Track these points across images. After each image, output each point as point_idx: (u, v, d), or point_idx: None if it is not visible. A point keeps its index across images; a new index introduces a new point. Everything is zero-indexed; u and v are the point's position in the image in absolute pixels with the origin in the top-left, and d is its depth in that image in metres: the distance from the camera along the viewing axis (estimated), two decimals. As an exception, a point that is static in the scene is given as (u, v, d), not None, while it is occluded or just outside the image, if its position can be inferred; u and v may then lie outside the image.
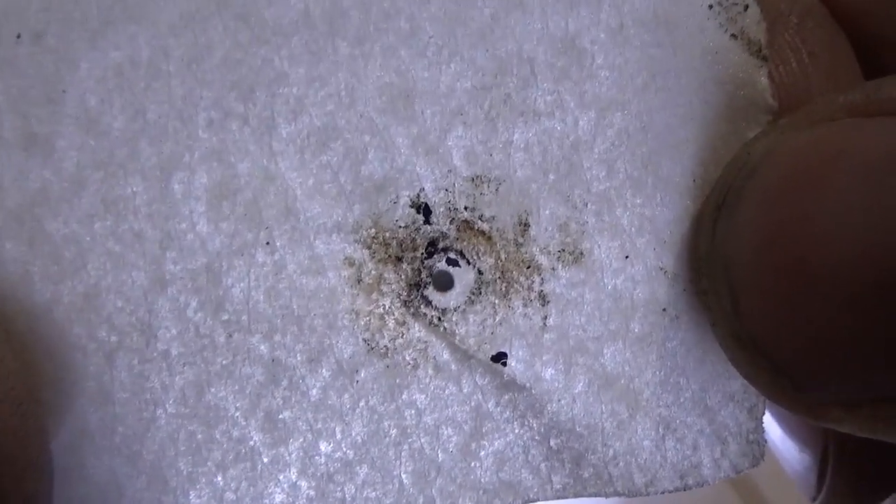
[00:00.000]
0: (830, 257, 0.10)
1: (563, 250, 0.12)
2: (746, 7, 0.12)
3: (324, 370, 0.12)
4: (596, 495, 0.12)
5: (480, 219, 0.12)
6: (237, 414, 0.12)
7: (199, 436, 0.12)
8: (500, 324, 0.12)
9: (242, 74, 0.12)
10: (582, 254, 0.12)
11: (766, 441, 0.13)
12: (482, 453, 0.12)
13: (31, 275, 0.11)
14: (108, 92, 0.11)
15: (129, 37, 0.11)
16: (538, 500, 0.12)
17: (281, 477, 0.12)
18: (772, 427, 0.17)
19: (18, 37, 0.11)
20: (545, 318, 0.12)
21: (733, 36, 0.12)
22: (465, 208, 0.12)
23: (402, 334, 0.12)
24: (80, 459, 0.11)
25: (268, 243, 0.12)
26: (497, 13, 0.12)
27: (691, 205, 0.12)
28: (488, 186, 0.12)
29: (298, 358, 0.12)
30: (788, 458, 0.16)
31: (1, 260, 0.11)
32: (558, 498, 0.12)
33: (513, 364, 0.12)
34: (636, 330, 0.12)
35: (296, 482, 0.12)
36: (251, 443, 0.12)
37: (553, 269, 0.12)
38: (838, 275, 0.10)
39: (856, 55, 0.15)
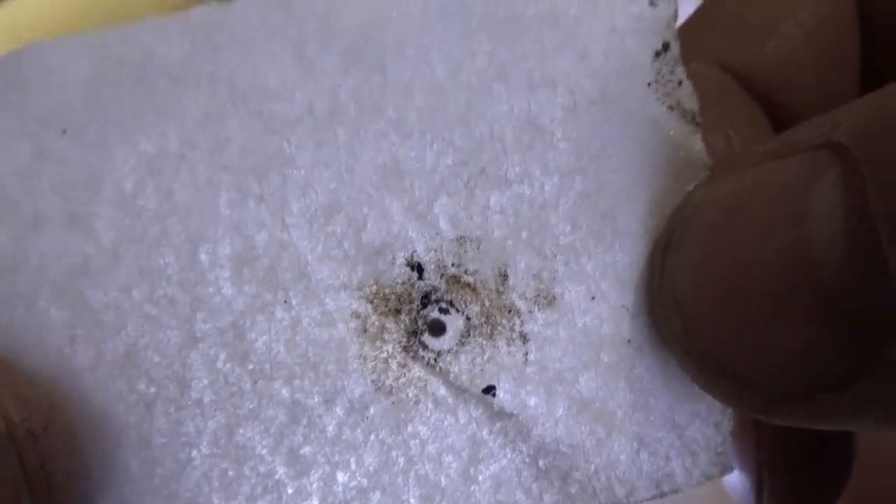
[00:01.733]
0: (753, 277, 0.12)
1: (538, 295, 0.14)
2: (680, 83, 0.14)
3: (338, 409, 0.14)
4: None
5: (465, 273, 0.14)
6: (264, 451, 0.13)
7: (231, 472, 0.13)
8: (488, 361, 0.14)
9: (257, 160, 0.13)
10: (554, 297, 0.14)
11: (732, 452, 0.14)
12: (480, 477, 0.14)
13: (76, 338, 0.13)
14: (141, 178, 0.13)
15: (160, 132, 0.13)
16: None
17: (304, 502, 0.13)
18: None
19: (64, 132, 0.13)
20: (526, 353, 0.14)
21: (670, 107, 0.14)
22: (452, 265, 0.14)
23: (405, 374, 0.14)
24: (124, 503, 0.13)
25: (285, 302, 0.14)
26: (470, 100, 0.14)
27: (645, 249, 0.14)
28: (471, 245, 0.14)
29: (316, 399, 0.14)
30: (730, 481, 0.18)
31: (47, 326, 0.13)
32: None
33: (501, 395, 0.14)
34: (605, 360, 0.14)
35: None
36: (277, 476, 0.13)
37: (530, 311, 0.14)
38: (762, 290, 0.11)
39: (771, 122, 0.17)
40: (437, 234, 0.14)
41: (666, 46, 0.14)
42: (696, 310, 0.13)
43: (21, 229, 0.13)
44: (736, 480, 0.18)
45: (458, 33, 0.14)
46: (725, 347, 0.12)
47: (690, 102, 0.14)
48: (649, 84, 0.14)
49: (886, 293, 0.10)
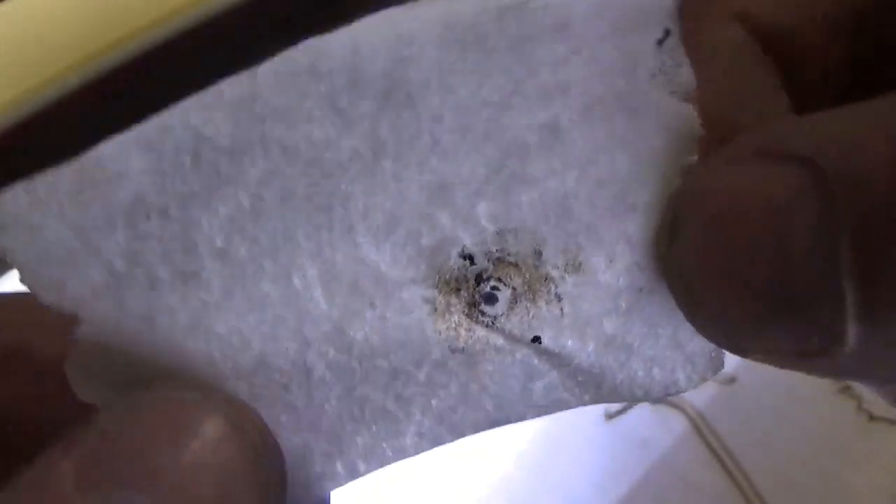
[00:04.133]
0: (744, 273, 0.14)
1: (567, 264, 0.17)
2: (680, 65, 0.16)
3: (426, 367, 0.17)
4: (613, 402, 0.18)
5: (508, 255, 0.17)
6: (376, 397, 0.17)
7: (356, 412, 0.17)
8: (533, 318, 0.17)
9: (321, 200, 0.16)
10: (580, 264, 0.17)
11: (724, 354, 0.18)
12: (535, 387, 0.17)
13: (215, 357, 0.16)
14: (228, 234, 0.16)
15: (231, 195, 0.16)
16: (577, 406, 0.18)
17: (411, 419, 0.17)
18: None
19: (148, 217, 0.16)
20: (562, 309, 0.17)
21: (672, 92, 0.16)
22: (497, 251, 0.17)
23: (471, 336, 0.17)
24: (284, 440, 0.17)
25: (370, 304, 0.17)
26: (493, 116, 0.16)
27: (651, 216, 0.17)
28: (509, 234, 0.17)
29: (408, 365, 0.17)
30: None
31: (191, 354, 0.16)
32: (590, 404, 0.18)
33: (545, 342, 0.17)
34: (623, 305, 0.17)
35: (421, 420, 0.17)
36: (389, 408, 0.17)
37: (562, 277, 0.17)
38: (750, 287, 0.14)
39: (787, 71, 0.18)
40: (481, 231, 0.17)
41: (667, 33, 0.16)
42: (695, 282, 0.16)
43: (143, 293, 0.16)
44: None
45: (475, 59, 0.16)
46: (715, 315, 0.15)
47: (689, 82, 0.16)
48: (654, 76, 0.16)
49: (838, 307, 0.13)
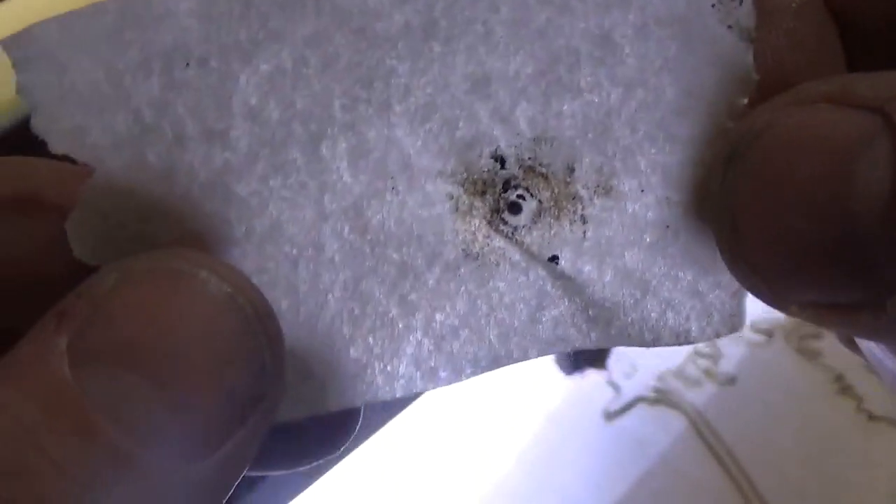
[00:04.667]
0: (802, 210, 0.14)
1: (598, 186, 0.17)
2: (741, 2, 0.16)
3: (436, 268, 0.17)
4: (618, 345, 0.17)
5: (540, 165, 0.17)
6: (381, 296, 0.16)
7: (356, 311, 0.16)
8: (554, 236, 0.17)
9: (363, 72, 0.16)
10: (611, 188, 0.17)
11: (745, 315, 0.17)
12: (543, 318, 0.17)
13: (230, 219, 0.16)
14: (264, 94, 0.16)
15: (274, 52, 0.16)
16: (581, 347, 0.17)
17: (410, 337, 0.17)
18: (872, 347, 0.20)
19: (187, 65, 0.15)
20: (585, 232, 0.17)
21: (729, 27, 0.16)
22: (529, 158, 0.17)
23: (488, 244, 0.17)
24: None
25: (393, 188, 0.16)
26: (551, 17, 0.16)
27: (691, 152, 0.16)
28: (545, 143, 0.17)
29: (419, 261, 0.17)
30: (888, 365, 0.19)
31: (206, 214, 0.16)
32: (594, 347, 0.17)
33: (562, 263, 0.17)
34: (647, 240, 0.17)
35: (420, 340, 0.17)
36: (391, 315, 0.17)
37: (590, 199, 0.17)
38: (802, 220, 0.14)
39: (843, 44, 0.18)
40: (517, 134, 0.16)
41: None
42: (745, 218, 0.15)
43: (165, 148, 0.15)
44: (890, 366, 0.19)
45: None
46: (761, 255, 0.15)
47: (747, 20, 0.16)
48: (713, 5, 0.16)
49: None
